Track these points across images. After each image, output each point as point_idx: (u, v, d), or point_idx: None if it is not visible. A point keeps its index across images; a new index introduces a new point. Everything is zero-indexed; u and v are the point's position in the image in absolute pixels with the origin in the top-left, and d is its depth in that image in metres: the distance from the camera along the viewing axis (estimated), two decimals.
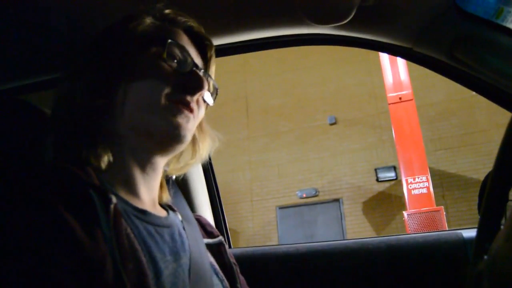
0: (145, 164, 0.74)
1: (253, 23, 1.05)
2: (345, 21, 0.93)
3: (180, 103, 0.72)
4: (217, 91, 0.86)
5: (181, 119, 0.71)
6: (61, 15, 0.95)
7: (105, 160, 0.67)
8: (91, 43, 0.77)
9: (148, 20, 0.77)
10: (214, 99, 0.85)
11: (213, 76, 0.85)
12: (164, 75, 0.71)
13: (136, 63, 0.72)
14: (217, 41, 1.09)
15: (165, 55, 0.72)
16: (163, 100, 0.69)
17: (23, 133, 0.78)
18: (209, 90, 0.83)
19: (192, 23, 0.82)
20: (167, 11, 0.80)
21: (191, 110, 0.73)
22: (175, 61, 0.74)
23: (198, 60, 0.80)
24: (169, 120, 0.70)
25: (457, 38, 0.95)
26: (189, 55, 0.76)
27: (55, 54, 1.07)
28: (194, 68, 0.75)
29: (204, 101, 0.80)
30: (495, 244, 0.54)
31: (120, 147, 0.71)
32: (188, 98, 0.72)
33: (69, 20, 0.96)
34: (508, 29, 0.88)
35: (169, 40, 0.73)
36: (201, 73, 0.77)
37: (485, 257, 0.60)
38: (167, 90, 0.70)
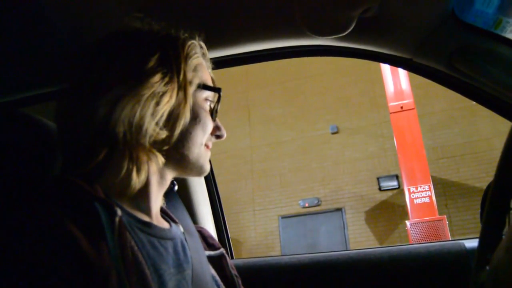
0: (162, 182, 0.75)
1: (254, 35, 1.06)
2: (346, 33, 0.94)
3: (208, 147, 0.81)
4: None
5: (208, 157, 0.80)
6: (63, 26, 0.95)
7: (136, 187, 0.67)
8: (135, 58, 0.69)
9: (200, 57, 0.79)
10: None
11: None
12: (210, 121, 0.78)
13: (196, 102, 0.75)
14: (219, 53, 1.10)
15: (218, 107, 0.80)
16: (204, 143, 0.77)
17: (26, 146, 0.78)
18: None
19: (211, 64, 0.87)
20: (203, 44, 0.82)
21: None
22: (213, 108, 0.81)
23: None
24: (204, 159, 0.78)
25: (457, 49, 0.95)
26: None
27: (57, 66, 1.08)
28: (214, 114, 0.81)
29: None
30: (497, 254, 0.54)
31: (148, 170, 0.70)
32: (212, 142, 0.82)
33: (71, 31, 0.97)
34: (507, 39, 0.88)
35: (221, 92, 0.79)
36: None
37: (487, 267, 0.60)
38: (208, 136, 0.78)
